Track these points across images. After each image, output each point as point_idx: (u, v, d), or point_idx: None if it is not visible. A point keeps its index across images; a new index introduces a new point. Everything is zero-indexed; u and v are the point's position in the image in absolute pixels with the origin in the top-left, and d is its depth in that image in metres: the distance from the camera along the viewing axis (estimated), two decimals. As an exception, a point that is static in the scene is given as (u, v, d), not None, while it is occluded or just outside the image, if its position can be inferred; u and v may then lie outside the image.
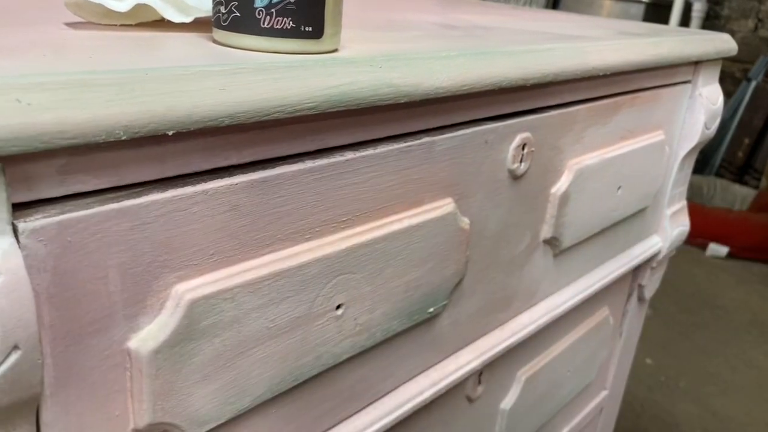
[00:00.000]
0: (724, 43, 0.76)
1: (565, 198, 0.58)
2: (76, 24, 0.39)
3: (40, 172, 0.26)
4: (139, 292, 0.30)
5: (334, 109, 0.34)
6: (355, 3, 0.71)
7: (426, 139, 0.42)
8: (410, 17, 0.62)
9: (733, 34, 2.69)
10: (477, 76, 0.42)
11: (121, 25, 0.40)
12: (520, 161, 0.51)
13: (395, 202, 0.42)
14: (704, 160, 2.80)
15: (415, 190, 0.43)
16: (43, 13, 0.42)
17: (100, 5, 0.39)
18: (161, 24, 0.41)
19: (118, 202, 0.28)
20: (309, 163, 0.35)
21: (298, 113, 0.32)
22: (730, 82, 2.76)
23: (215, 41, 0.37)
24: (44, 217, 0.26)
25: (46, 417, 0.28)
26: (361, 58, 0.37)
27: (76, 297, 0.27)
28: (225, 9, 0.35)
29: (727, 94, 2.70)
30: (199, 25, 0.41)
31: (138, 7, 0.39)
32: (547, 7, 2.75)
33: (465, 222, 0.47)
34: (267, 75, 0.31)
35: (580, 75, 0.52)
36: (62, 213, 0.26)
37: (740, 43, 2.70)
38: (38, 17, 0.41)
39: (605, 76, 0.56)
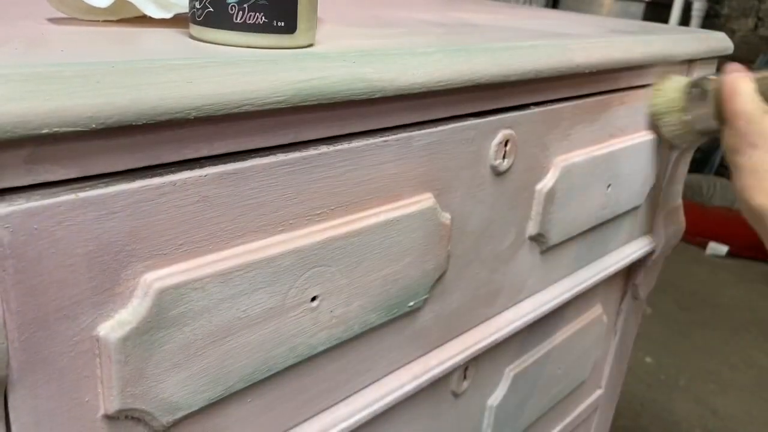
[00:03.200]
0: (718, 42, 0.75)
1: (551, 195, 0.58)
2: (57, 20, 0.40)
3: (6, 162, 0.26)
4: (108, 281, 0.30)
5: (306, 103, 0.35)
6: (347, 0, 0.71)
7: (404, 134, 0.43)
8: (398, 14, 0.63)
9: (733, 32, 2.68)
10: (454, 72, 0.43)
11: (103, 21, 0.41)
12: (503, 157, 0.51)
13: (372, 196, 0.42)
14: (704, 159, 2.79)
15: (393, 184, 0.43)
16: (27, 8, 0.43)
17: (81, 1, 0.39)
18: (142, 20, 0.42)
19: (85, 191, 0.28)
20: (281, 156, 0.36)
21: (268, 107, 0.33)
22: (730, 81, 2.74)
23: (192, 36, 0.38)
24: (10, 205, 0.26)
25: (13, 401, 0.29)
26: (335, 52, 0.37)
27: (43, 284, 0.28)
28: (199, 5, 0.35)
29: (727, 94, 2.67)
30: (179, 21, 0.42)
31: (119, 3, 0.40)
32: (546, 5, 2.75)
33: (446, 217, 0.48)
34: (236, 68, 0.32)
35: (564, 72, 0.52)
36: (29, 201, 0.27)
37: (740, 42, 2.68)
38: (21, 12, 0.42)
39: (591, 73, 0.56)
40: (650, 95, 0.68)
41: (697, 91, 0.62)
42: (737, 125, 0.54)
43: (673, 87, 0.66)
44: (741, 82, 0.56)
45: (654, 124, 0.69)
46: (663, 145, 0.72)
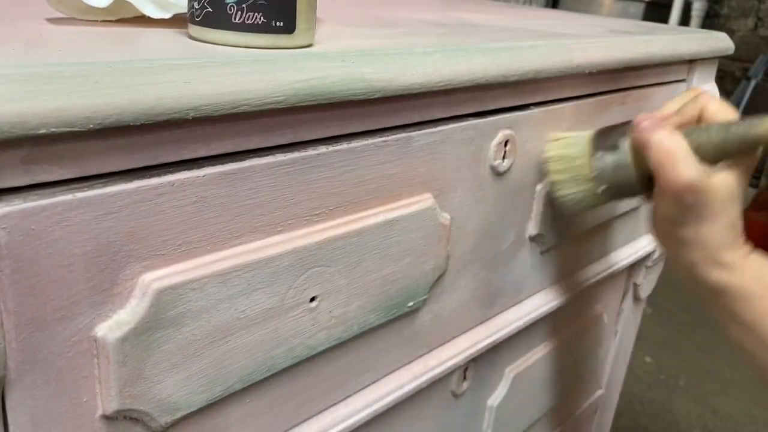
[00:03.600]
0: (719, 42, 0.75)
1: (551, 195, 0.58)
2: (56, 20, 0.40)
3: (4, 162, 0.26)
4: (106, 281, 0.30)
5: (304, 104, 0.35)
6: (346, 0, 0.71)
7: (403, 135, 0.43)
8: (397, 14, 0.63)
9: (732, 32, 2.68)
10: (453, 72, 0.43)
11: (102, 21, 0.41)
12: (503, 158, 0.51)
13: (371, 197, 0.42)
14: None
15: (392, 184, 0.43)
16: (26, 8, 0.43)
17: (80, 1, 0.39)
18: (141, 20, 0.42)
19: (82, 192, 0.28)
20: (280, 157, 0.36)
21: (267, 107, 0.33)
22: (729, 81, 2.74)
23: (191, 37, 0.38)
24: (7, 206, 0.26)
25: (11, 401, 0.29)
26: (334, 52, 0.37)
27: (41, 284, 0.28)
28: (198, 5, 0.35)
29: (727, 93, 2.68)
30: (178, 21, 0.42)
31: (118, 3, 0.40)
32: (546, 5, 2.75)
33: (445, 217, 0.48)
34: (234, 68, 0.32)
35: (563, 72, 0.52)
36: (26, 202, 0.27)
37: (740, 42, 2.68)
38: (20, 12, 0.42)
39: (591, 73, 0.56)
40: (547, 160, 0.56)
41: (608, 156, 0.52)
42: (682, 198, 0.46)
43: (572, 151, 0.54)
44: (674, 144, 0.46)
45: (554, 194, 0.56)
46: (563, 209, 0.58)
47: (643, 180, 0.51)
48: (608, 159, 0.52)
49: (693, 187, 0.46)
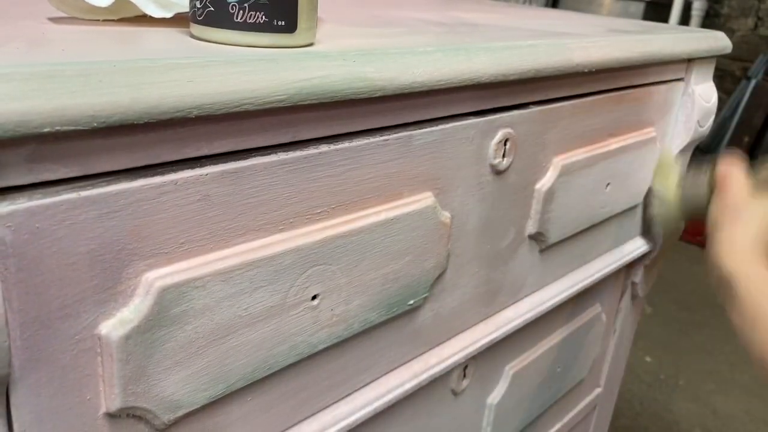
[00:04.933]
0: (717, 41, 0.76)
1: (550, 194, 0.58)
2: (58, 19, 0.40)
3: (8, 161, 0.26)
4: (110, 279, 0.31)
5: (306, 102, 0.35)
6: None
7: (404, 133, 0.43)
8: (398, 14, 0.63)
9: (732, 32, 2.68)
10: (454, 71, 0.43)
11: (104, 21, 0.41)
12: (503, 156, 0.51)
13: (372, 195, 0.42)
14: (704, 158, 2.79)
15: (393, 183, 0.43)
16: (28, 8, 0.43)
17: (82, 0, 0.39)
18: (143, 19, 0.42)
19: (86, 190, 0.29)
20: (282, 155, 0.36)
21: (269, 106, 0.33)
22: (729, 80, 2.75)
23: (193, 36, 0.38)
24: (11, 204, 0.26)
25: (15, 399, 0.29)
26: (335, 52, 0.37)
27: (45, 282, 0.28)
28: (200, 4, 0.35)
29: (727, 93, 2.68)
30: (180, 20, 0.42)
31: (120, 3, 0.40)
32: (546, 5, 2.75)
33: (446, 216, 0.48)
34: (237, 68, 0.32)
35: (563, 71, 0.52)
36: (30, 200, 0.27)
37: (740, 42, 2.68)
38: (22, 12, 0.42)
39: (590, 72, 0.56)
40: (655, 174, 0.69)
41: (695, 176, 0.63)
42: (724, 201, 0.55)
43: (672, 171, 0.67)
44: (736, 168, 0.57)
45: (649, 203, 0.69)
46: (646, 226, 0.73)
47: (709, 197, 0.59)
48: (692, 177, 0.64)
49: (734, 194, 0.55)
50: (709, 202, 0.59)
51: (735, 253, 0.51)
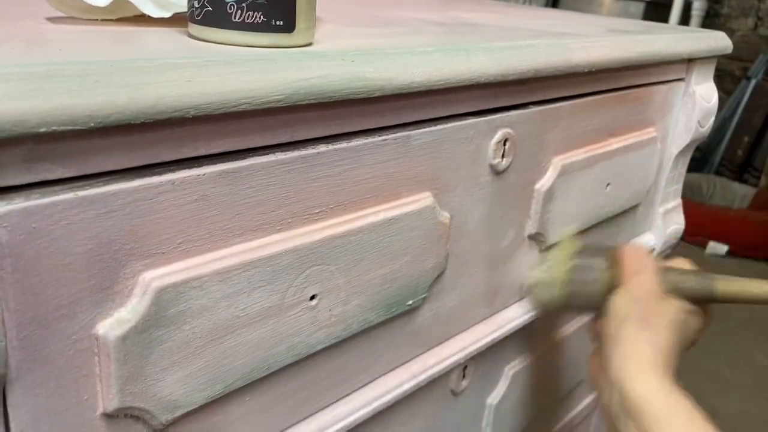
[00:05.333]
0: (718, 41, 0.76)
1: (549, 194, 0.58)
2: (57, 19, 0.40)
3: (5, 160, 0.26)
4: (107, 279, 0.30)
5: (305, 102, 0.35)
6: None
7: (402, 134, 0.43)
8: (397, 14, 0.63)
9: (732, 32, 2.68)
10: (453, 71, 0.43)
11: (102, 20, 0.41)
12: (502, 156, 0.51)
13: (371, 195, 0.42)
14: (704, 158, 2.79)
15: (392, 183, 0.43)
16: (27, 8, 0.43)
17: (80, 0, 0.39)
18: (142, 19, 0.42)
19: (83, 190, 0.29)
20: (280, 155, 0.36)
21: (267, 106, 0.33)
22: (729, 80, 2.75)
23: (191, 36, 0.38)
24: (8, 204, 0.26)
25: (12, 399, 0.29)
26: (334, 51, 0.37)
27: (42, 282, 0.28)
28: (198, 4, 0.35)
29: (727, 93, 2.68)
30: (178, 20, 0.42)
31: (118, 2, 0.40)
32: (546, 5, 2.75)
33: (444, 216, 0.48)
34: (235, 67, 0.32)
35: (562, 71, 0.52)
36: (27, 200, 0.27)
37: (740, 42, 2.68)
38: (20, 12, 0.42)
39: (590, 72, 0.56)
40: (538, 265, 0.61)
41: (588, 271, 0.57)
42: (632, 295, 0.52)
43: (565, 257, 0.59)
44: (644, 256, 0.55)
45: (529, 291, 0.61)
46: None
47: (604, 296, 0.56)
48: (582, 270, 0.57)
49: (651, 291, 0.52)
50: (603, 296, 0.55)
51: (644, 373, 0.47)
